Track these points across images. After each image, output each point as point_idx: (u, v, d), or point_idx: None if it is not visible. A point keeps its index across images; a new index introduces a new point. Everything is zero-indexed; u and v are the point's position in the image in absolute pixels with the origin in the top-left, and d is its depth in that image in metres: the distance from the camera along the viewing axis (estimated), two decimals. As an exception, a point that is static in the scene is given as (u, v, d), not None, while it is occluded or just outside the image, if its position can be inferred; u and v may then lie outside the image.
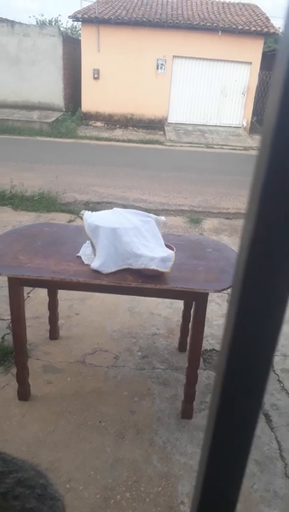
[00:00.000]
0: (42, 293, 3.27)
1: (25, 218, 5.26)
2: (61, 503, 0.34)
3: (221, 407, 0.30)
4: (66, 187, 6.67)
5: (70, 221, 5.25)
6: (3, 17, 15.62)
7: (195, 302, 2.15)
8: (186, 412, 2.36)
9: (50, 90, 13.70)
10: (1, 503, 0.29)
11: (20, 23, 14.82)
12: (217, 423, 0.31)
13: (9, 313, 2.27)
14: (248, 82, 13.90)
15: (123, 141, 12.37)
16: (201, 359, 2.69)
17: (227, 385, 0.29)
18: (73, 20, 14.36)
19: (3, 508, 0.29)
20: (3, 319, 3.10)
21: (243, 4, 15.52)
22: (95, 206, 5.93)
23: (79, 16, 13.24)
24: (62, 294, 3.05)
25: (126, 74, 13.60)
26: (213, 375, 2.72)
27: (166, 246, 2.16)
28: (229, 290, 2.91)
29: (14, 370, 2.43)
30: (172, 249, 2.11)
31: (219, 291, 2.11)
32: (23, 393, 2.36)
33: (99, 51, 13.47)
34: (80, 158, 9.31)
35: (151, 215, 2.28)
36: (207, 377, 2.70)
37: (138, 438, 2.21)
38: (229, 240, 5.03)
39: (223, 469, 0.32)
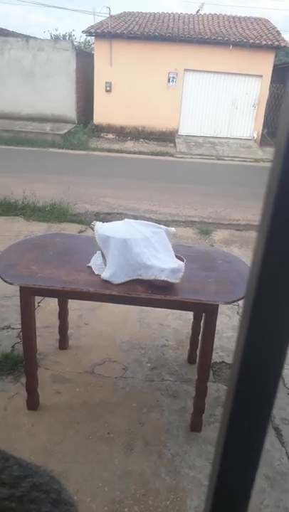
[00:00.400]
0: (52, 302, 3.29)
1: (37, 228, 5.31)
2: (75, 509, 0.34)
3: (232, 420, 0.30)
4: (77, 198, 6.74)
5: (80, 231, 5.29)
6: (19, 32, 16.02)
7: (205, 314, 2.15)
8: (195, 425, 2.33)
9: (63, 103, 13.93)
10: (18, 506, 0.29)
11: (34, 37, 15.17)
12: (228, 435, 0.31)
13: (20, 322, 2.29)
14: (259, 94, 13.97)
15: (134, 153, 12.48)
16: (211, 371, 2.67)
17: (238, 397, 0.30)
18: (87, 35, 14.66)
19: (20, 511, 0.29)
20: (14, 328, 3.12)
21: (254, 18, 15.68)
22: (105, 217, 5.97)
23: (92, 30, 13.50)
24: (72, 304, 3.06)
25: (138, 87, 13.78)
26: (222, 387, 2.70)
27: (177, 257, 2.17)
28: (240, 302, 2.89)
29: (23, 380, 2.43)
30: (182, 261, 2.11)
31: (229, 303, 2.11)
32: (32, 403, 2.37)
33: (111, 65, 13.70)
34: (91, 170, 9.41)
35: (162, 226, 2.29)
36: (216, 389, 2.67)
37: (146, 450, 2.19)
38: (239, 251, 5.02)
39: (233, 482, 0.33)
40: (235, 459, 0.32)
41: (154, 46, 13.33)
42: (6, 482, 0.31)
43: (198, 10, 17.41)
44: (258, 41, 13.08)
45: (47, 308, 3.39)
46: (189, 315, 3.10)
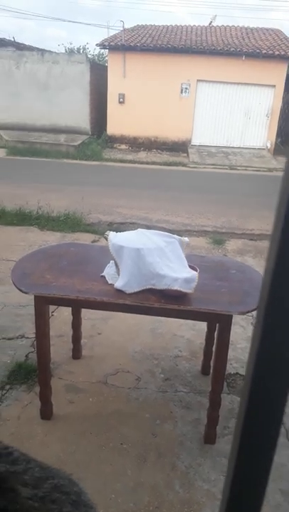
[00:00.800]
0: (66, 312, 3.31)
1: (51, 238, 5.37)
2: (94, 511, 0.35)
3: (245, 431, 0.30)
4: (91, 208, 6.80)
5: (94, 241, 5.33)
6: (35, 46, 16.39)
7: (219, 324, 2.13)
8: (209, 437, 2.30)
9: (77, 114, 14.15)
10: (41, 506, 0.30)
11: (50, 51, 15.50)
12: (241, 446, 0.31)
13: (34, 331, 2.30)
14: (272, 104, 13.98)
15: (147, 163, 12.57)
16: (225, 383, 2.64)
17: (250, 408, 0.30)
18: (100, 48, 14.92)
19: (43, 510, 0.30)
20: (28, 337, 3.14)
21: (267, 29, 15.77)
22: (118, 227, 6.00)
23: (106, 43, 13.74)
24: (85, 313, 3.07)
25: (150, 98, 13.92)
26: (237, 399, 2.66)
27: (190, 267, 2.16)
28: (254, 313, 2.86)
29: (37, 389, 2.44)
30: (196, 270, 2.11)
31: (243, 313, 2.09)
32: (46, 412, 2.37)
33: (124, 77, 13.88)
34: (105, 180, 9.50)
35: (175, 235, 2.29)
36: (231, 401, 2.64)
37: (160, 462, 2.17)
38: (253, 261, 4.98)
39: (245, 493, 0.32)
40: (247, 469, 0.32)
41: (167, 58, 13.49)
42: (29, 483, 0.32)
43: (211, 22, 17.57)
44: (270, 51, 13.13)
45: (60, 318, 3.41)
46: (202, 325, 3.08)
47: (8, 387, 2.63)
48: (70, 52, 23.27)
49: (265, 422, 0.30)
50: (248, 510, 0.33)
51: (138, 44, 13.39)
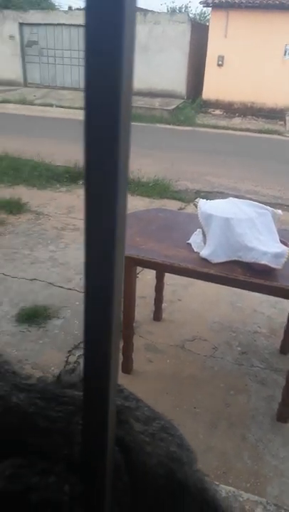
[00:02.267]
0: (148, 275, 3.40)
1: (140, 203, 5.47)
2: (194, 456, 0.37)
3: None
4: (180, 175, 6.75)
5: (180, 208, 5.32)
6: (138, 6, 16.16)
7: (306, 304, 2.05)
8: (283, 415, 2.27)
9: (174, 77, 13.87)
10: (151, 441, 0.33)
11: (152, 11, 15.17)
12: None
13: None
14: None
15: (240, 130, 12.03)
16: (305, 364, 2.56)
17: None
18: (204, 6, 14.23)
19: (153, 445, 0.33)
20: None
21: None
22: (205, 195, 5.90)
23: (210, 1, 13.07)
24: (166, 279, 3.12)
25: (251, 60, 13.11)
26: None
27: (281, 242, 2.08)
28: None
29: (120, 344, 2.58)
30: (287, 246, 2.03)
31: None
32: (127, 367, 2.51)
33: (226, 37, 13.19)
34: (195, 147, 9.31)
35: (268, 207, 2.20)
36: (309, 383, 2.56)
37: (230, 431, 2.20)
38: None
39: None
40: None
41: (273, 16, 12.48)
42: (140, 419, 0.34)
43: None
44: None
45: (144, 280, 3.51)
46: (284, 304, 2.98)
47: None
48: (172, 11, 22.57)
49: None
50: None
51: (243, 1, 12.54)
